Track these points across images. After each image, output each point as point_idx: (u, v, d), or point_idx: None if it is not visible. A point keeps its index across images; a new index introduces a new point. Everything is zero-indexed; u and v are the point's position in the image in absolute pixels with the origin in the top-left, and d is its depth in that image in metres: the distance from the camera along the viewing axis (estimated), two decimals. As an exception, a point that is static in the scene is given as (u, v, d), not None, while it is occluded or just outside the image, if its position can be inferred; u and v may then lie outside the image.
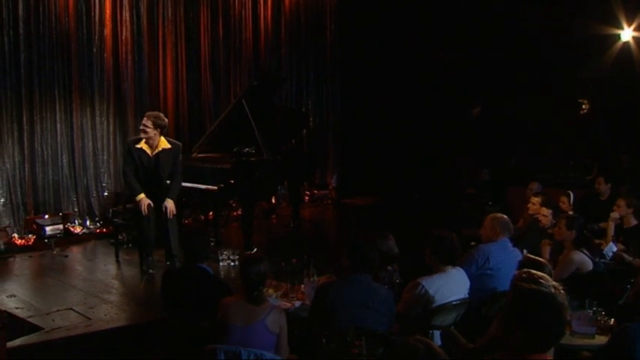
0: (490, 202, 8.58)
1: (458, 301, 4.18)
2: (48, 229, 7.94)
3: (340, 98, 11.56)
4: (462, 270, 4.34)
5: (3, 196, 7.93)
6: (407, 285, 4.27)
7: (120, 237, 7.52)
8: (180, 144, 6.87)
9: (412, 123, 10.47)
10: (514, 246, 4.97)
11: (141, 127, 6.60)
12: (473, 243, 5.46)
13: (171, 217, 6.49)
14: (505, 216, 4.98)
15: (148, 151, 6.58)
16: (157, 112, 6.78)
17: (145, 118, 6.61)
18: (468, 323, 4.21)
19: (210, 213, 8.56)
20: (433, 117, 10.31)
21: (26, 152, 8.10)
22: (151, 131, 6.52)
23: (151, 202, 6.50)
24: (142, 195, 6.51)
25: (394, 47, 10.58)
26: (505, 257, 4.68)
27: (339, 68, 11.46)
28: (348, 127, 11.41)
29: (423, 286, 4.12)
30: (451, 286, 4.18)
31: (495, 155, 10.17)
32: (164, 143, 6.63)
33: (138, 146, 6.56)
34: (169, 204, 6.53)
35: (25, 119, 8.09)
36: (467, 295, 4.26)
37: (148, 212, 6.47)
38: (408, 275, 4.51)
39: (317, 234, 9.04)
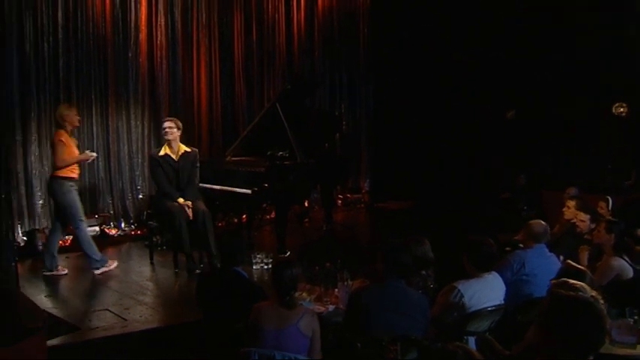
0: (525, 207, 8.47)
1: (493, 307, 4.14)
2: (85, 230, 8.06)
3: (373, 101, 11.50)
4: (498, 275, 4.30)
5: (41, 198, 8.07)
6: (442, 289, 4.26)
7: (154, 239, 7.60)
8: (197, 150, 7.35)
9: (446, 126, 10.36)
10: (550, 251, 4.92)
11: (166, 130, 7.01)
12: (508, 248, 5.41)
13: (191, 216, 6.79)
14: (542, 222, 4.94)
15: (173, 155, 7.01)
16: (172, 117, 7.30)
17: (166, 123, 7.06)
18: (503, 330, 4.17)
19: (244, 216, 8.61)
20: (468, 120, 10.19)
21: (64, 155, 8.24)
22: (176, 132, 6.98)
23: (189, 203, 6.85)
24: (181, 199, 6.88)
25: (428, 49, 10.50)
26: (541, 263, 4.64)
27: (373, 71, 11.40)
28: (382, 131, 11.34)
29: (458, 291, 4.10)
30: (487, 291, 4.15)
31: (530, 159, 10.03)
32: (184, 146, 7.09)
33: (161, 154, 6.99)
34: (190, 204, 6.87)
35: (62, 123, 8.25)
36: (502, 301, 4.23)
37: (200, 208, 6.82)
38: (442, 280, 4.49)
39: (350, 238, 9.02)
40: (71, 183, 6.63)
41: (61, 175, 6.58)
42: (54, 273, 6.69)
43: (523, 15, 9.76)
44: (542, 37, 9.69)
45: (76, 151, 6.75)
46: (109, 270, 6.75)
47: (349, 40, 11.27)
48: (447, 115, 10.37)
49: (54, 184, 6.63)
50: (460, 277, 4.25)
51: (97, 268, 6.69)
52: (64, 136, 6.59)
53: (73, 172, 6.68)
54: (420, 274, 4.47)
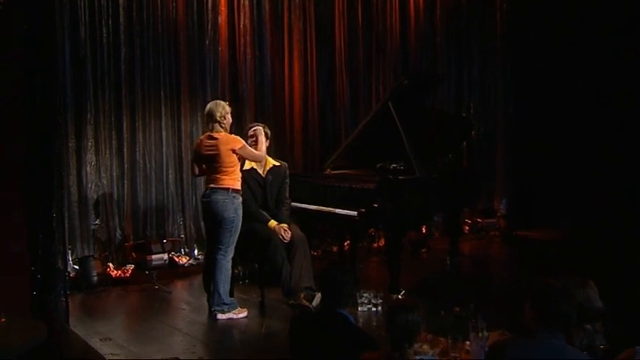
0: None
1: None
2: (149, 258, 8.21)
3: (513, 99, 11.28)
4: None
5: (97, 218, 8.27)
6: (617, 353, 4.00)
7: (235, 271, 7.60)
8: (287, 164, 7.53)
9: (612, 131, 9.99)
10: None
11: (254, 141, 7.04)
12: None
13: (286, 238, 6.96)
14: None
15: (260, 170, 7.19)
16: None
17: (255, 129, 7.12)
18: None
19: (346, 244, 8.58)
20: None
21: (126, 166, 8.43)
22: (265, 144, 7.03)
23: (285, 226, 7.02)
24: (274, 221, 7.04)
25: (588, 32, 10.17)
26: None
27: (513, 61, 11.20)
28: (524, 137, 11.08)
29: (644, 358, 3.84)
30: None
31: None
32: (272, 159, 7.27)
33: (246, 168, 7.09)
34: (287, 228, 7.02)
35: (125, 126, 8.43)
36: None
37: (291, 235, 6.97)
38: (616, 339, 4.23)
39: (484, 275, 8.88)
40: (241, 198, 6.75)
41: (233, 187, 6.67)
42: (229, 316, 6.73)
43: None
44: None
45: None
46: (237, 318, 6.73)
47: (481, 21, 11.12)
48: (613, 118, 10.01)
49: (226, 196, 6.64)
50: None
51: (223, 312, 6.71)
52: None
53: (239, 183, 6.80)
54: (584, 328, 4.24)
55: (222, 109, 6.71)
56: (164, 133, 8.70)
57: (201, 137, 6.93)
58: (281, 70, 9.54)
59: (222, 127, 6.68)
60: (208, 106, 6.83)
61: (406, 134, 7.48)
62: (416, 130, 7.65)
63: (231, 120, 6.83)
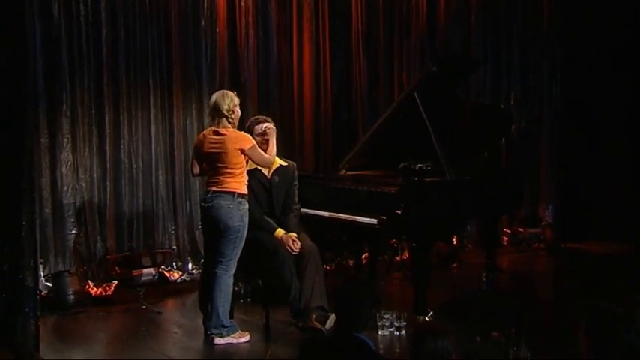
0: None
1: None
2: (135, 273, 8.19)
3: (561, 89, 11.26)
4: None
5: (75, 227, 8.21)
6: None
7: (235, 287, 7.54)
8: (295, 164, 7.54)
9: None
10: None
11: (260, 139, 7.01)
12: None
13: (295, 249, 6.93)
14: None
15: (264, 171, 7.17)
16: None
17: (266, 127, 7.10)
18: None
19: (364, 256, 8.60)
20: None
21: (108, 165, 8.39)
22: (275, 145, 7.01)
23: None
24: (281, 230, 7.00)
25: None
26: None
27: (561, 43, 11.17)
28: (574, 132, 11.03)
29: None
30: None
31: None
32: (278, 159, 7.29)
33: (248, 168, 6.96)
34: (293, 237, 7.00)
35: (107, 119, 8.38)
36: None
37: (301, 247, 6.96)
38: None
39: (526, 294, 8.79)
40: (247, 205, 6.70)
41: (239, 191, 6.62)
42: (228, 340, 6.67)
43: None
44: None
45: None
46: (237, 343, 6.68)
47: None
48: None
49: (230, 202, 6.57)
50: None
51: (221, 335, 6.65)
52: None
53: (246, 187, 6.75)
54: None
55: (231, 100, 6.64)
56: (153, 128, 8.67)
57: (205, 132, 6.85)
58: (289, 55, 9.52)
59: (230, 123, 6.62)
60: (213, 97, 6.73)
61: (434, 129, 7.44)
62: (446, 125, 7.61)
63: (239, 113, 6.76)
